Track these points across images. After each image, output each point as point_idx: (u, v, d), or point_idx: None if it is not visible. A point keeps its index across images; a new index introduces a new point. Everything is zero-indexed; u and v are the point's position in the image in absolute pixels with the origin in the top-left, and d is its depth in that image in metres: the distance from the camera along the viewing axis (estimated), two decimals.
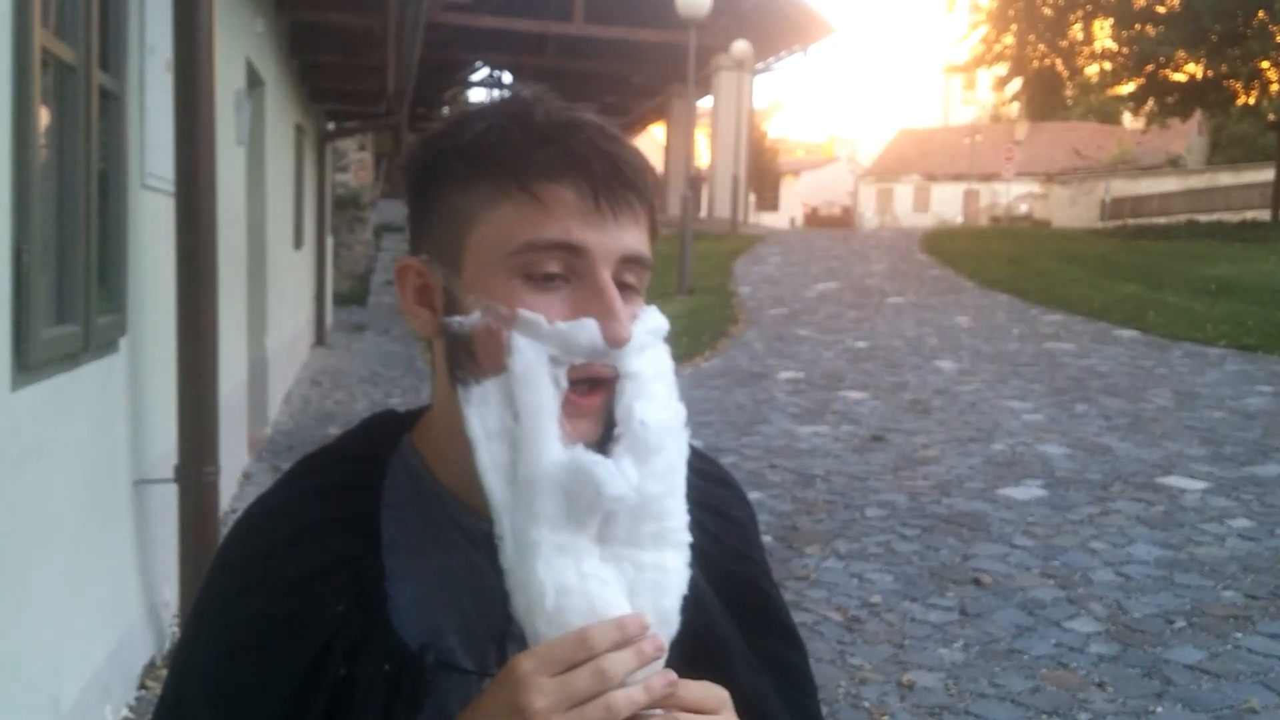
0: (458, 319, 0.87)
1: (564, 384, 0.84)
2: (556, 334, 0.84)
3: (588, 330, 0.84)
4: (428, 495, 0.93)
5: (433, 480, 0.94)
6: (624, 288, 0.87)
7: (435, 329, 0.91)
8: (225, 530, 5.43)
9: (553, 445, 0.82)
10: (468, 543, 0.91)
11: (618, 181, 0.86)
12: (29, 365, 2.78)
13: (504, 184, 0.86)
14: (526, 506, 0.82)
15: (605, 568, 0.83)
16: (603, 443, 0.86)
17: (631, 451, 0.84)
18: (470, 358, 0.86)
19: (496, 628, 0.89)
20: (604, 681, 0.77)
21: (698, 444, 0.97)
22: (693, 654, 0.87)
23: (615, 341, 0.84)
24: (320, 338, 13.08)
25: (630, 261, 0.87)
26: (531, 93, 0.91)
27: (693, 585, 0.88)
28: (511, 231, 0.85)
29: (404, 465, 0.95)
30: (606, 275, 0.85)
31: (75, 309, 3.24)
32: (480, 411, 0.85)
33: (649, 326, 0.89)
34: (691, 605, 0.88)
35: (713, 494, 1.03)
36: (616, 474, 0.82)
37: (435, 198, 0.90)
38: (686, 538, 0.86)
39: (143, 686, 3.85)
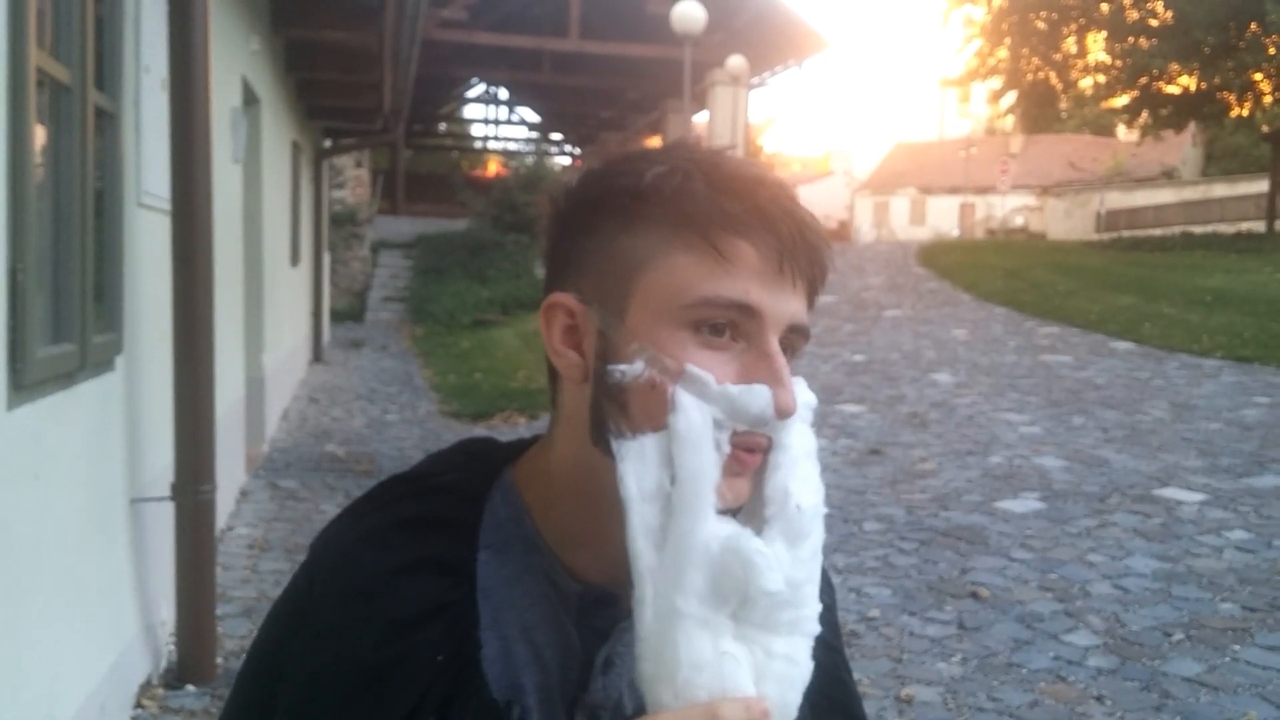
0: (620, 368, 0.81)
1: (726, 449, 0.79)
2: (725, 397, 0.79)
3: (760, 398, 0.79)
4: (527, 542, 0.88)
5: (532, 527, 0.89)
6: (785, 352, 0.83)
7: (583, 374, 0.85)
8: (224, 544, 5.39)
9: (710, 516, 0.78)
10: (559, 600, 0.87)
11: (802, 246, 0.82)
12: (25, 384, 2.78)
13: (684, 232, 0.81)
14: (675, 576, 0.77)
15: (739, 648, 0.79)
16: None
17: (785, 536, 0.81)
18: (621, 410, 0.81)
19: (570, 693, 0.86)
20: None
21: None
22: None
23: (784, 412, 0.80)
24: (317, 354, 13.09)
25: (795, 330, 0.83)
26: (703, 142, 0.88)
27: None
28: (688, 283, 0.80)
29: (505, 505, 0.90)
30: (775, 342, 0.81)
31: (71, 328, 3.24)
32: (637, 469, 0.79)
33: (803, 400, 0.85)
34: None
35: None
36: (774, 566, 0.78)
37: (597, 237, 0.84)
38: (816, 628, 0.82)
39: (139, 705, 3.83)
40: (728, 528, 0.78)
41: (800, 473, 0.83)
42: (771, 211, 0.81)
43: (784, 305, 0.81)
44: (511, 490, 0.91)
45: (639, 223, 0.82)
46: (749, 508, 0.83)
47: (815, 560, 0.83)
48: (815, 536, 0.83)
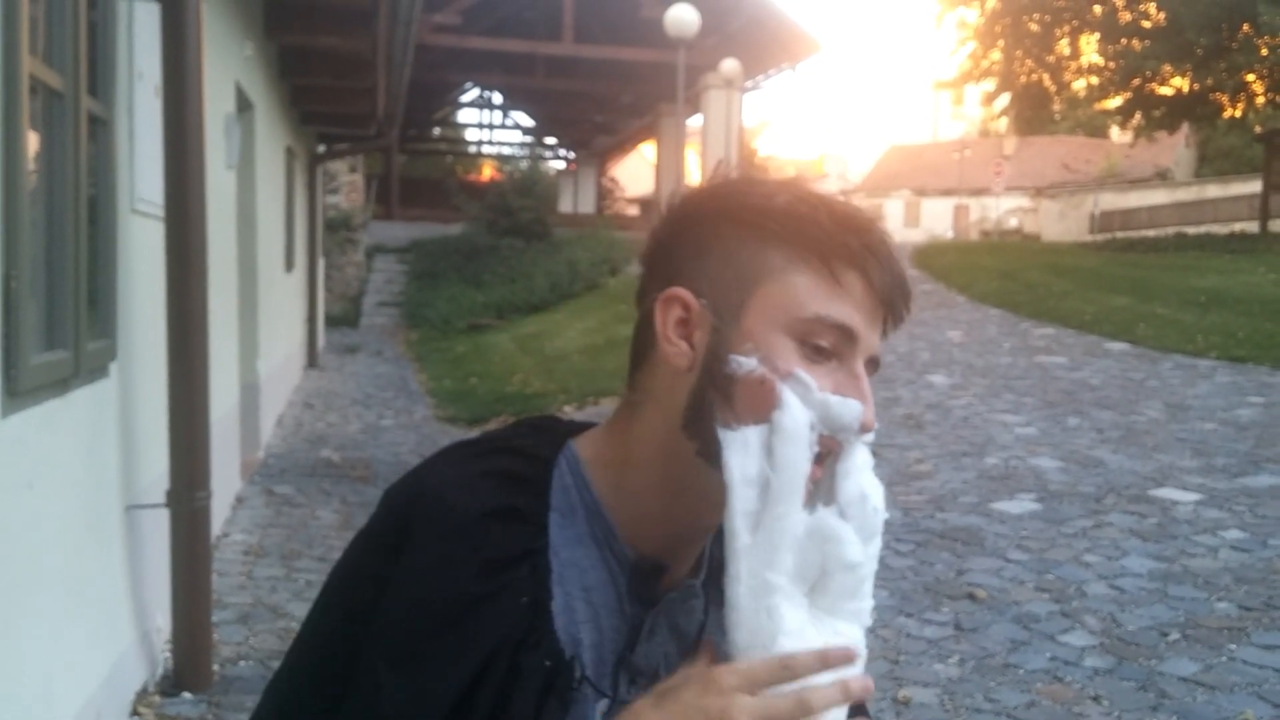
0: (737, 359, 0.90)
1: (816, 448, 0.88)
2: (823, 404, 0.88)
3: (853, 410, 0.89)
4: (590, 509, 0.96)
5: (594, 497, 0.96)
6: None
7: (690, 363, 0.93)
8: (220, 551, 5.37)
9: (800, 504, 0.87)
10: (615, 564, 0.95)
11: (898, 289, 0.93)
12: (19, 391, 2.78)
13: (807, 255, 0.91)
14: (769, 555, 0.86)
15: (813, 627, 0.87)
16: None
17: (862, 532, 0.90)
18: (726, 400, 0.90)
19: (618, 654, 0.94)
20: (804, 709, 0.81)
21: None
22: None
23: (868, 427, 0.91)
24: (312, 360, 13.08)
25: (872, 361, 0.94)
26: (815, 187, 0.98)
27: None
28: (805, 300, 0.90)
29: (571, 473, 0.97)
30: (862, 366, 0.92)
31: (65, 334, 3.23)
32: (741, 456, 0.88)
33: None
34: None
35: None
36: (856, 542, 0.88)
37: (721, 244, 0.94)
38: (869, 620, 0.91)
39: (135, 713, 3.83)
40: (816, 514, 0.88)
41: (870, 480, 0.93)
42: (881, 252, 0.92)
43: (873, 336, 0.93)
44: (576, 461, 0.98)
45: (767, 239, 0.92)
46: (848, 509, 0.91)
47: (875, 562, 0.93)
48: (878, 540, 0.93)
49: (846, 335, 0.91)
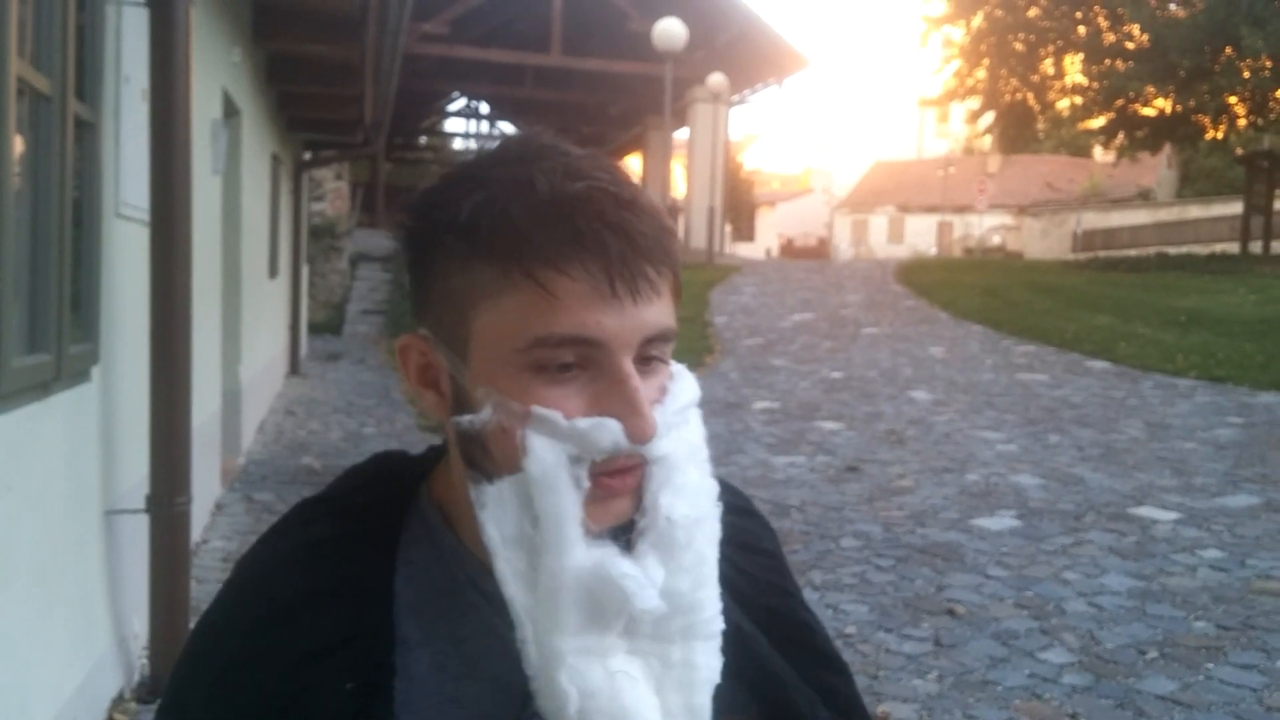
0: (468, 418, 0.80)
1: (585, 484, 0.78)
2: (575, 433, 0.77)
3: (610, 431, 0.77)
4: (447, 553, 0.87)
5: (453, 537, 0.87)
6: (648, 361, 0.80)
7: (445, 411, 0.84)
8: (199, 557, 5.35)
9: (576, 549, 0.77)
10: (488, 606, 0.85)
11: (635, 258, 0.77)
12: (0, 394, 2.77)
13: (508, 270, 0.77)
14: (549, 615, 0.77)
15: (633, 662, 0.79)
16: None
17: (657, 549, 0.80)
18: (484, 453, 0.80)
19: (516, 699, 0.84)
20: None
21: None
22: (754, 698, 0.88)
23: (640, 439, 0.78)
24: (295, 367, 13.02)
25: (654, 339, 0.80)
26: (531, 144, 0.82)
27: (739, 629, 0.87)
28: (519, 325, 0.77)
29: (421, 519, 0.89)
30: (628, 364, 0.78)
31: (47, 338, 3.22)
32: (496, 516, 0.79)
33: (677, 405, 0.83)
34: (740, 650, 0.87)
35: (741, 528, 0.97)
36: (645, 584, 0.78)
37: (433, 274, 0.82)
38: (719, 626, 0.83)
39: None
40: (595, 555, 0.77)
41: (675, 482, 0.81)
42: (593, 232, 0.76)
43: (631, 324, 0.77)
44: (428, 507, 0.89)
45: (466, 261, 0.78)
46: (640, 521, 0.82)
47: (703, 565, 0.82)
48: (701, 542, 0.82)
49: (585, 344, 0.77)
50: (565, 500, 0.77)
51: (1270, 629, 4.79)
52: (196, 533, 5.55)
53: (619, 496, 0.80)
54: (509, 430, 0.78)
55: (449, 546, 0.87)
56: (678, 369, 0.85)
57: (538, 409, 0.77)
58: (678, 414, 0.83)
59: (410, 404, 11.57)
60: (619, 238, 0.77)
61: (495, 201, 0.78)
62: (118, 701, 3.92)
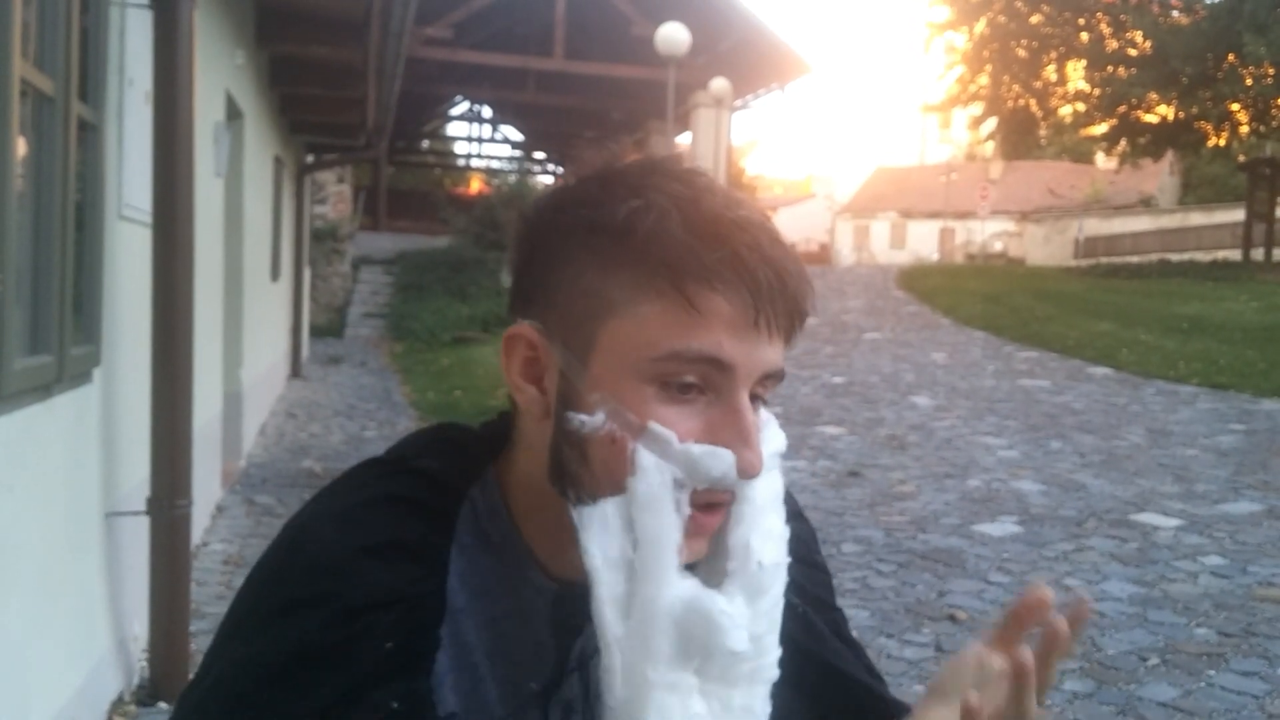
0: (580, 418, 0.78)
1: (686, 510, 0.77)
2: (686, 457, 0.76)
3: (722, 461, 0.77)
4: (504, 538, 0.87)
5: (510, 525, 0.87)
6: (755, 398, 0.81)
7: (544, 410, 0.82)
8: (199, 560, 5.34)
9: (673, 578, 0.76)
10: (532, 597, 0.86)
11: (780, 296, 0.78)
12: (1, 396, 2.76)
13: (656, 280, 0.76)
14: (643, 644, 0.76)
15: (702, 704, 0.79)
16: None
17: (746, 591, 0.80)
18: (581, 459, 0.79)
19: (541, 686, 0.85)
20: None
21: None
22: (815, 707, 0.90)
23: (748, 474, 0.78)
24: (296, 370, 13.03)
25: (769, 377, 0.81)
26: (683, 163, 0.82)
27: (795, 641, 0.88)
28: (656, 335, 0.76)
29: (485, 499, 0.88)
30: (746, 397, 0.78)
31: (49, 339, 3.22)
32: (601, 539, 0.77)
33: (771, 449, 0.83)
34: (804, 661, 0.90)
35: (796, 537, 0.93)
36: (739, 624, 0.78)
37: (562, 271, 0.80)
38: (775, 673, 0.82)
39: None
40: (690, 587, 0.77)
41: (763, 526, 0.82)
42: (749, 260, 0.76)
43: (758, 356, 0.78)
44: (492, 487, 0.88)
45: (609, 262, 0.78)
46: (709, 558, 0.81)
47: (776, 609, 0.83)
48: (778, 588, 0.83)
49: (716, 366, 0.76)
50: (668, 524, 0.76)
51: (1272, 636, 4.78)
52: (197, 535, 5.55)
53: (703, 535, 0.80)
54: (619, 441, 0.77)
55: (505, 530, 0.87)
56: (767, 415, 0.85)
57: (655, 425, 0.76)
58: (769, 459, 0.83)
59: (412, 407, 11.57)
60: (771, 271, 0.77)
61: (653, 211, 0.77)
62: (117, 704, 3.92)
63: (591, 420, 0.78)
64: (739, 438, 0.77)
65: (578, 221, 0.79)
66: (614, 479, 0.77)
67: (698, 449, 0.76)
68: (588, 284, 0.78)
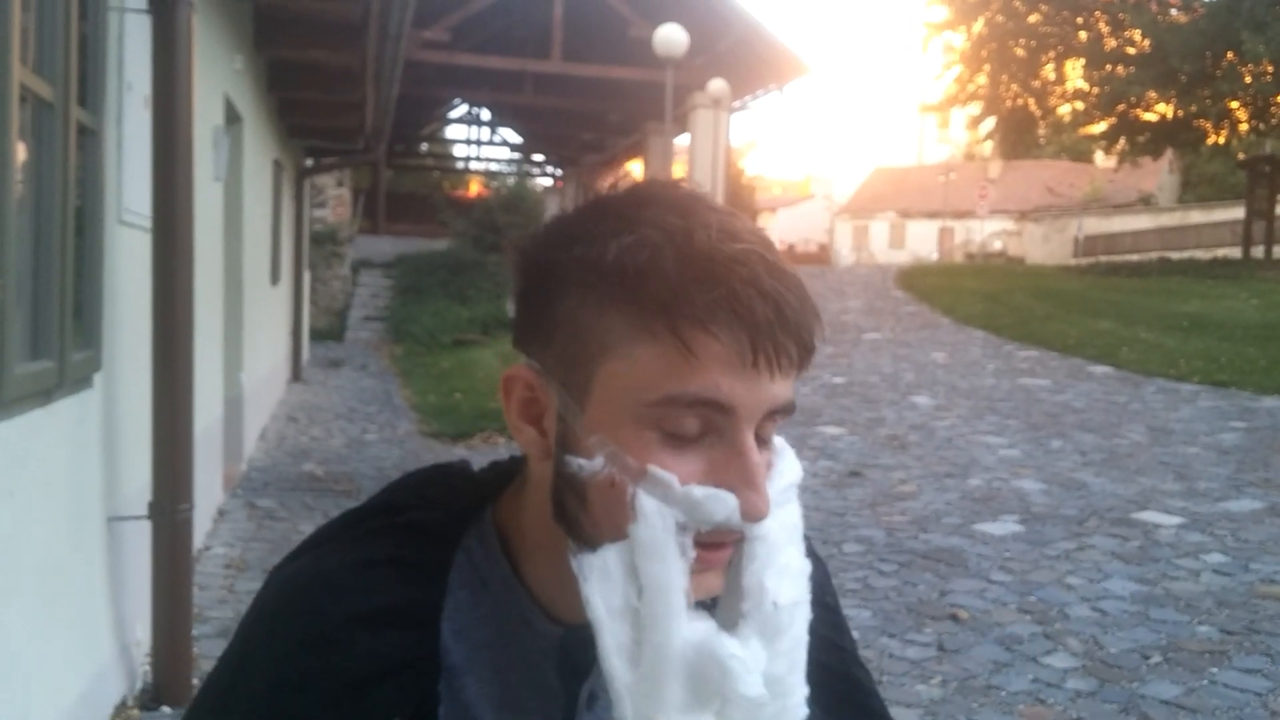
0: (578, 462, 0.76)
1: (691, 554, 0.75)
2: (688, 501, 0.74)
3: (725, 504, 0.74)
4: (504, 584, 0.85)
5: (507, 567, 0.85)
6: (762, 434, 0.78)
7: (544, 452, 0.80)
8: (201, 564, 5.34)
9: (682, 622, 0.74)
10: (535, 640, 0.85)
11: (781, 332, 0.74)
12: (2, 401, 2.77)
13: (649, 321, 0.73)
14: (654, 693, 0.74)
15: None
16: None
17: (761, 634, 0.77)
18: (582, 503, 0.77)
19: None
20: None
21: None
22: None
23: (753, 517, 0.75)
24: (296, 373, 13.03)
25: (776, 412, 0.77)
26: (681, 192, 0.79)
27: (828, 664, 0.88)
28: (652, 378, 0.73)
29: (482, 545, 0.86)
30: (750, 437, 0.75)
31: (50, 345, 3.22)
32: (603, 588, 0.75)
33: (783, 483, 0.81)
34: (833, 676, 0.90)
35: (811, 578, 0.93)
36: (751, 668, 0.75)
37: (557, 309, 0.77)
38: (803, 712, 0.80)
39: None
40: (701, 629, 0.75)
41: (779, 563, 0.79)
42: (745, 297, 0.73)
43: (759, 394, 0.75)
44: (489, 533, 0.86)
45: (603, 301, 0.75)
46: (725, 597, 0.79)
47: (798, 648, 0.80)
48: (798, 626, 0.80)
49: (715, 408, 0.74)
50: (672, 570, 0.74)
51: (1274, 633, 4.78)
52: (199, 539, 5.55)
53: (713, 570, 0.78)
54: (619, 485, 0.75)
55: (505, 576, 0.85)
56: (781, 445, 0.83)
57: (655, 469, 0.74)
58: (783, 492, 0.81)
59: (413, 410, 11.57)
60: (769, 307, 0.74)
61: (646, 247, 0.74)
62: (120, 708, 3.92)
63: (590, 464, 0.76)
64: (743, 480, 0.75)
65: (572, 259, 0.77)
66: (615, 524, 0.75)
67: (699, 492, 0.74)
68: (582, 324, 0.76)
